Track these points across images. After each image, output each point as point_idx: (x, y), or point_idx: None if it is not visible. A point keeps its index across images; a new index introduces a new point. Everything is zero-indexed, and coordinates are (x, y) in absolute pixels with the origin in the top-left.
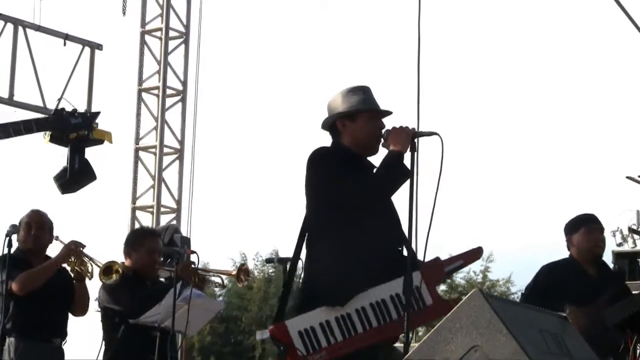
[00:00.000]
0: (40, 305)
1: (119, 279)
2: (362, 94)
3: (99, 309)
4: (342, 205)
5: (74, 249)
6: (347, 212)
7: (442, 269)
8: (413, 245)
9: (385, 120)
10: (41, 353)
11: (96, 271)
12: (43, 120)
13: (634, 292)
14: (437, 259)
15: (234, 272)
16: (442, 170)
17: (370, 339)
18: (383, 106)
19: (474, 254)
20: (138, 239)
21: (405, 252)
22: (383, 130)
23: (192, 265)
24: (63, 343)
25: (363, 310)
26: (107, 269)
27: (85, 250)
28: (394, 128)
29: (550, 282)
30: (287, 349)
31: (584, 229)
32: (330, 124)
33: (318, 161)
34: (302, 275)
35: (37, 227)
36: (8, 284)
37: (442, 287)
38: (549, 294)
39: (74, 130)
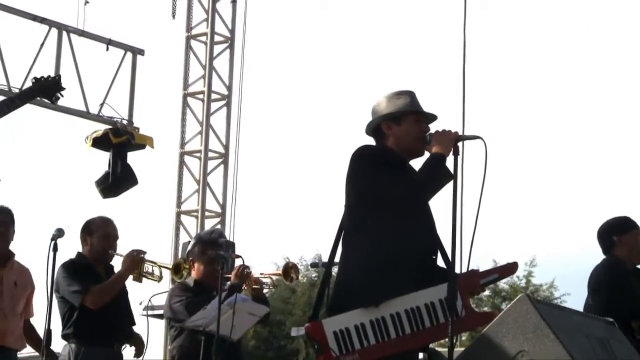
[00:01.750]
0: (103, 312)
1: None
2: (408, 97)
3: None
4: (382, 204)
5: (137, 256)
6: (385, 212)
7: (477, 280)
8: (457, 250)
9: (430, 125)
10: (103, 358)
11: (164, 272)
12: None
13: None
14: (473, 270)
15: (281, 271)
16: (486, 174)
17: (402, 346)
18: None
19: (510, 269)
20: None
21: (439, 259)
22: (427, 134)
23: (246, 270)
24: (123, 348)
25: (397, 315)
26: (177, 268)
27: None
28: (437, 131)
29: (615, 280)
30: (321, 347)
31: (634, 232)
32: (374, 127)
33: (362, 158)
34: (337, 274)
35: (114, 238)
36: (83, 297)
37: (486, 292)
38: (616, 290)
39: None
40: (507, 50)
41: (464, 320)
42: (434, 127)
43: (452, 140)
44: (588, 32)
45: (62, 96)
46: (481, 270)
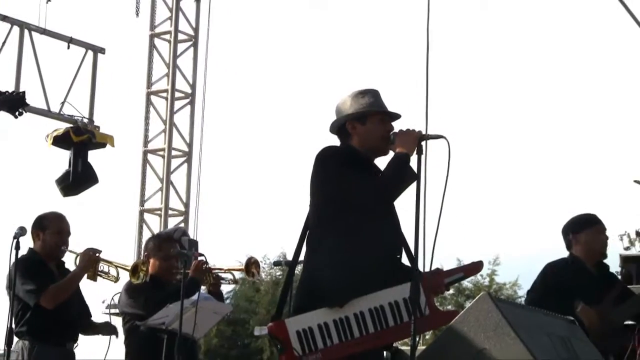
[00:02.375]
0: (56, 310)
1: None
2: (372, 96)
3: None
4: (347, 205)
5: (93, 255)
6: (350, 213)
7: (442, 279)
8: (420, 250)
9: (394, 124)
10: (55, 357)
11: (122, 273)
12: None
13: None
14: (438, 269)
15: (243, 267)
16: (449, 173)
17: (366, 344)
18: (390, 109)
19: (475, 267)
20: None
21: (404, 259)
22: (391, 133)
23: (205, 265)
24: (75, 347)
25: (361, 314)
26: (134, 269)
27: (101, 255)
28: (400, 130)
29: (559, 281)
30: (284, 347)
31: (595, 228)
32: (339, 126)
33: (326, 159)
34: (301, 274)
35: (67, 234)
36: (37, 297)
37: (450, 291)
38: (558, 294)
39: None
40: (470, 50)
41: (428, 319)
42: (398, 126)
43: (416, 140)
44: (552, 24)
45: (25, 112)
46: (445, 269)
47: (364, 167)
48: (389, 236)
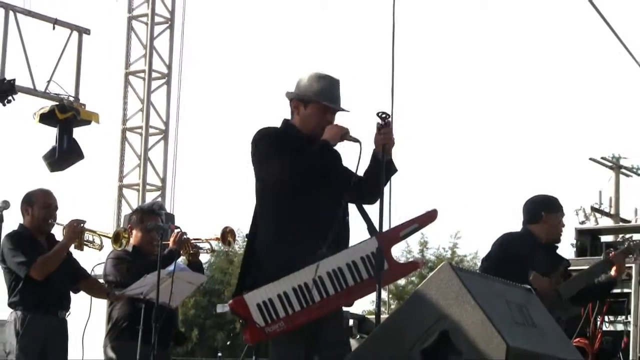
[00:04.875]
0: (47, 280)
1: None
2: (326, 84)
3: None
4: (279, 183)
5: (78, 226)
6: (284, 189)
7: (397, 233)
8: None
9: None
10: (47, 325)
11: (105, 242)
12: None
13: (584, 268)
14: (393, 227)
15: (219, 236)
16: (357, 171)
17: (328, 307)
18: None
19: (429, 216)
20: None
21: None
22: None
23: (184, 237)
24: (67, 314)
25: (320, 279)
26: (116, 237)
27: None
28: (332, 124)
29: (516, 249)
30: (246, 322)
31: (561, 214)
32: (290, 99)
33: (257, 141)
34: (244, 251)
35: (55, 208)
36: (28, 269)
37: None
38: (514, 262)
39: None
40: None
41: (389, 272)
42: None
43: (339, 134)
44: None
45: (14, 99)
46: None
47: (301, 145)
48: (326, 204)
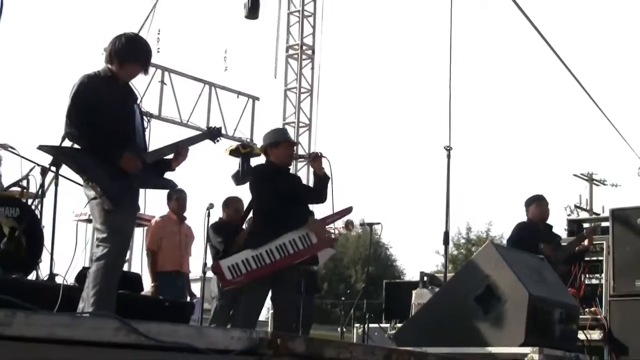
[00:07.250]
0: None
1: None
2: (284, 132)
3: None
4: (266, 202)
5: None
6: (269, 204)
7: (324, 221)
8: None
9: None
10: None
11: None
12: (200, 135)
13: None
14: (322, 217)
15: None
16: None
17: (275, 266)
18: None
19: (345, 211)
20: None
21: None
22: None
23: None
24: None
25: (270, 250)
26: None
27: None
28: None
29: (528, 231)
30: (220, 278)
31: (537, 203)
32: (264, 149)
33: (254, 174)
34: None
35: (241, 211)
36: (221, 245)
37: (462, 241)
38: (526, 239)
39: (216, 135)
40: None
41: (315, 245)
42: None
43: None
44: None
45: (220, 140)
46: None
47: (278, 173)
48: (298, 211)
